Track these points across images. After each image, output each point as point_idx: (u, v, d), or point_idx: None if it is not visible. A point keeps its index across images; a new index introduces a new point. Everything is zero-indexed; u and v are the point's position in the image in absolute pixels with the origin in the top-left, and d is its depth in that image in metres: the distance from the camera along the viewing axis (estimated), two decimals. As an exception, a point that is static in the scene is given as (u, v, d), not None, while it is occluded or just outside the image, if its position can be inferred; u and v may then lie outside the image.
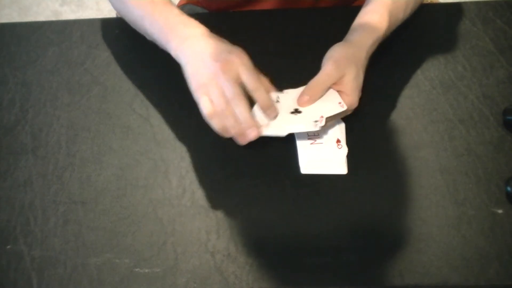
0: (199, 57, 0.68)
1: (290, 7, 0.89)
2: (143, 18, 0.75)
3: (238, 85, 0.65)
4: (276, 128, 0.67)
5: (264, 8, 0.89)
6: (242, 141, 0.66)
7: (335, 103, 0.68)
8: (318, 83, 0.68)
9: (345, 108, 0.67)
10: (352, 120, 0.72)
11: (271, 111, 0.67)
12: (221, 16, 0.71)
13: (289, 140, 0.71)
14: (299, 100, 0.69)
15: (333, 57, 0.69)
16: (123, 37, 0.84)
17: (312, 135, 0.70)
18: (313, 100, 0.68)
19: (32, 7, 1.97)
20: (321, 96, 0.69)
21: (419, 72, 0.77)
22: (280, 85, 0.71)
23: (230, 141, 0.72)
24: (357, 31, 0.73)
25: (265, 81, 0.70)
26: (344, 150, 0.69)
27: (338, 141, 0.69)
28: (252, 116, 0.66)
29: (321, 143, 0.69)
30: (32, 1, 1.98)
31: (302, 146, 0.70)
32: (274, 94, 0.70)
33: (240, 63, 0.66)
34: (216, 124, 0.66)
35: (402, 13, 0.76)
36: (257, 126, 0.65)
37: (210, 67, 0.66)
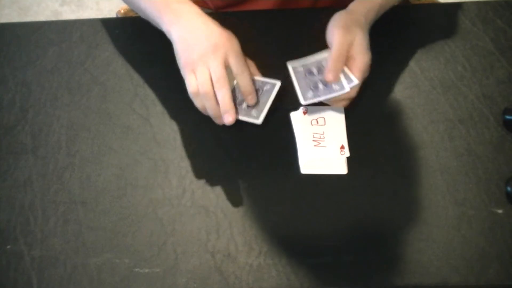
0: (192, 34, 0.70)
1: (289, 7, 0.89)
2: None
3: (224, 68, 0.68)
4: (252, 117, 0.70)
5: (264, 7, 0.89)
6: (219, 122, 0.70)
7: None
8: (339, 54, 0.69)
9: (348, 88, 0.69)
10: (352, 120, 0.72)
11: (252, 98, 0.70)
12: (221, 16, 0.71)
13: (289, 140, 0.71)
14: (329, 77, 0.69)
15: (338, 24, 0.71)
16: (123, 37, 0.84)
17: (317, 138, 0.70)
18: (339, 71, 0.70)
19: (32, 7, 1.97)
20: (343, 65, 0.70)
21: (419, 72, 0.77)
22: (281, 84, 0.71)
23: (231, 141, 0.72)
24: (353, 3, 0.75)
25: (252, 65, 0.73)
26: (346, 154, 0.69)
27: (342, 147, 0.69)
28: (231, 101, 0.68)
29: (325, 146, 0.69)
30: (32, 1, 1.98)
31: (302, 146, 0.70)
32: (259, 80, 0.72)
33: (229, 46, 0.69)
34: (197, 103, 0.70)
35: None
36: (234, 111, 0.68)
37: (201, 46, 0.69)
